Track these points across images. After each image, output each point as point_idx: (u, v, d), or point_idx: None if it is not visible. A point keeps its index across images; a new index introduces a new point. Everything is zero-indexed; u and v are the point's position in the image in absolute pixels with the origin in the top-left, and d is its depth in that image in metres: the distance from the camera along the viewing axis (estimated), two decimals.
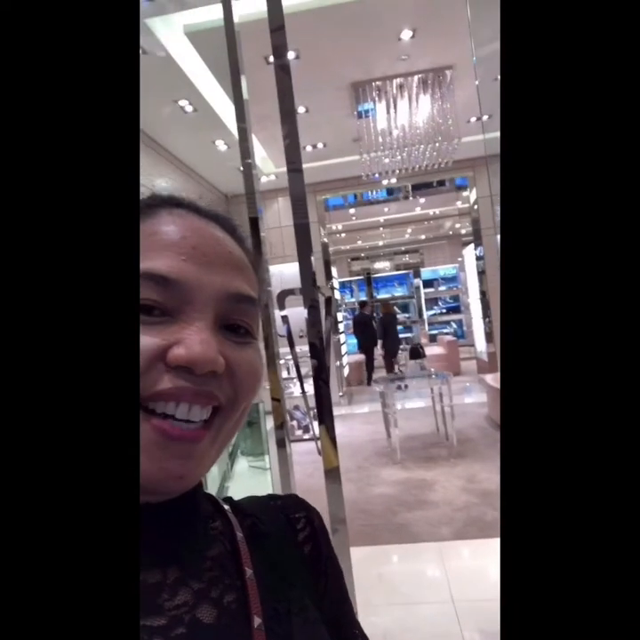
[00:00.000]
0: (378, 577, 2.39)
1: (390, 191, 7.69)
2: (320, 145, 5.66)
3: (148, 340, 0.31)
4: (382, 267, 13.64)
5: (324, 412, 1.44)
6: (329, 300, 1.58)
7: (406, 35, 3.70)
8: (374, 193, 7.70)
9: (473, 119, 5.25)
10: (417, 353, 4.75)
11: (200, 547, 0.36)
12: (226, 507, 0.42)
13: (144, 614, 0.30)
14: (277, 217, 6.84)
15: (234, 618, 0.34)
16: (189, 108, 4.23)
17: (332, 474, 1.41)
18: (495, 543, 2.55)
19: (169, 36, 3.29)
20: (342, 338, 8.08)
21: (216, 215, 0.38)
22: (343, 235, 10.86)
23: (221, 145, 5.10)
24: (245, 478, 2.87)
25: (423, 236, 12.89)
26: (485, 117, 5.26)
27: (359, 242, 12.32)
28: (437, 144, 4.74)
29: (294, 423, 5.03)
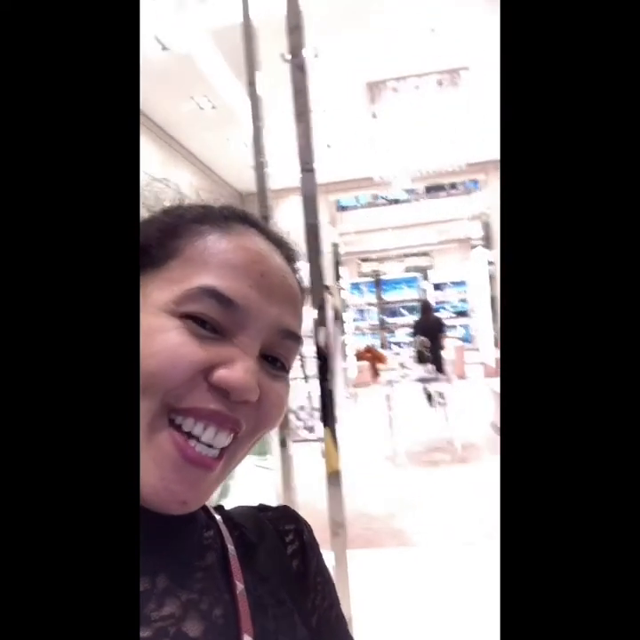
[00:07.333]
0: (377, 581, 2.38)
1: (403, 193, 7.65)
2: (334, 144, 5.64)
3: (198, 353, 0.31)
4: (391, 269, 13.57)
5: (328, 415, 1.43)
6: (336, 306, 1.56)
7: (423, 35, 3.67)
8: (386, 194, 7.67)
9: (487, 121, 5.20)
10: (423, 356, 4.72)
11: (192, 556, 0.35)
12: (217, 517, 0.41)
13: None
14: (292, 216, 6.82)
15: (221, 634, 0.32)
16: (208, 105, 4.22)
17: (334, 478, 1.40)
18: (497, 549, 2.52)
19: (190, 32, 3.29)
20: (348, 339, 8.06)
21: (281, 241, 0.38)
22: (354, 236, 10.83)
23: (238, 142, 5.09)
24: (249, 478, 2.86)
25: (434, 240, 12.82)
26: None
27: (369, 243, 12.27)
28: (451, 145, 4.71)
29: (300, 423, 5.02)
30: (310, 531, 0.45)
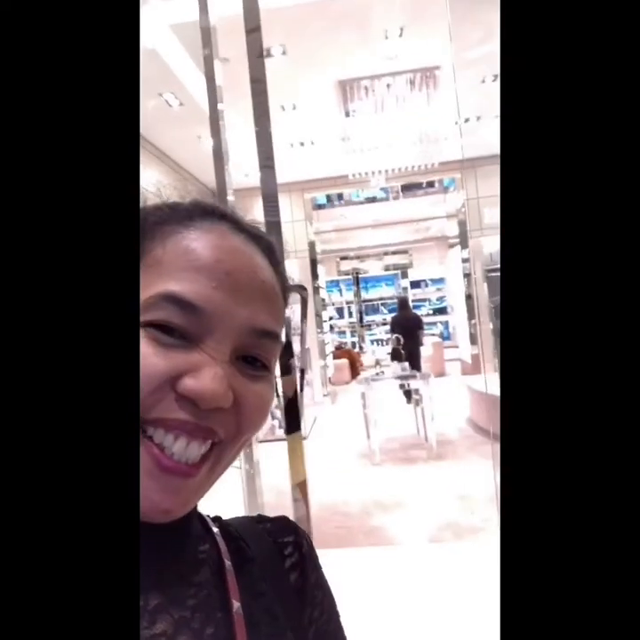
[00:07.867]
0: (351, 580, 2.38)
1: (379, 191, 7.67)
2: (308, 142, 5.62)
3: (162, 363, 0.30)
4: (371, 267, 13.65)
5: (294, 421, 1.40)
6: (305, 302, 1.55)
7: (393, 34, 3.68)
8: (362, 191, 7.69)
9: (460, 120, 5.24)
10: (399, 354, 4.72)
11: (186, 571, 0.34)
12: (215, 529, 0.40)
13: None
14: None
15: None
16: (175, 102, 4.16)
17: (299, 488, 1.37)
18: (470, 547, 2.55)
19: (154, 27, 3.23)
20: (327, 338, 8.07)
21: (257, 234, 0.36)
22: (332, 234, 10.84)
23: (209, 140, 5.04)
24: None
25: (411, 238, 12.92)
26: (475, 119, 5.28)
27: (348, 242, 12.30)
28: (424, 144, 4.74)
29: (276, 422, 5.00)
30: (310, 543, 0.44)
